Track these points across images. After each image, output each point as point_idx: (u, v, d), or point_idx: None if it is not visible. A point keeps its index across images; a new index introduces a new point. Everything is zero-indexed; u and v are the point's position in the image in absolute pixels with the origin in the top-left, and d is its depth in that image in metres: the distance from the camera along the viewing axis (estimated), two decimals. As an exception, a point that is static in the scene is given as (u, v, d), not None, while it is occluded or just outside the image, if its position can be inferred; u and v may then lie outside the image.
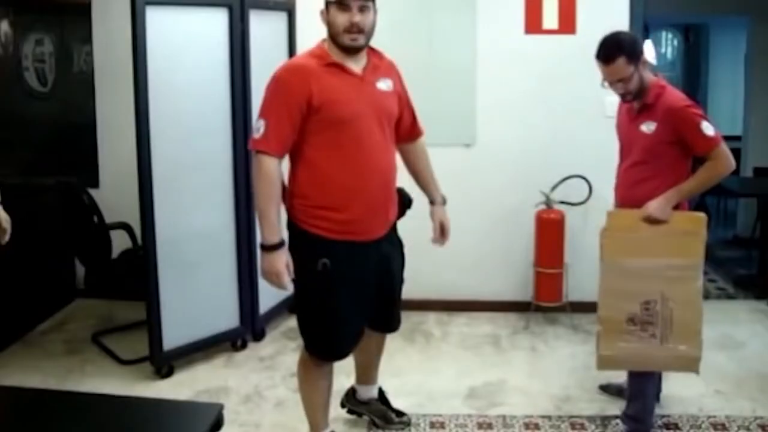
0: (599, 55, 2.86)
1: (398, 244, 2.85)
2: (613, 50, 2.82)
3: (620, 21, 4.23)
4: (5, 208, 2.53)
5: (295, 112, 2.50)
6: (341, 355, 2.79)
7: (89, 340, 4.13)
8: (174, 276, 3.62)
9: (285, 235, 2.62)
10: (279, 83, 2.54)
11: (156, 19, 3.41)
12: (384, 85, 2.67)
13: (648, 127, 2.87)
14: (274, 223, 2.52)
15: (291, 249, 2.62)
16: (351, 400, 3.20)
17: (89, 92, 4.67)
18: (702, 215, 2.87)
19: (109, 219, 3.90)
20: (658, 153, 2.87)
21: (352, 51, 2.56)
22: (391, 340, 3.99)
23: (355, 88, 2.57)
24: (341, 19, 2.49)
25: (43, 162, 4.69)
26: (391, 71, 2.75)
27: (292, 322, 4.41)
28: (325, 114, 2.51)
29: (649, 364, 2.95)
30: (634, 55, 2.82)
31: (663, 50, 9.74)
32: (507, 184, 4.47)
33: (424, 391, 3.50)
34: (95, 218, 3.84)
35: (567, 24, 4.32)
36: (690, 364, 2.92)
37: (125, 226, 3.93)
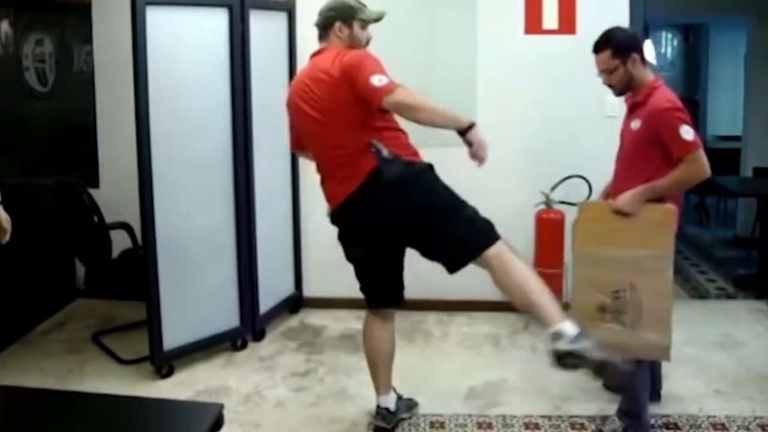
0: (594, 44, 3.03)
1: None
2: (602, 42, 2.98)
3: (620, 21, 4.22)
4: (5, 208, 2.52)
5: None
6: None
7: (89, 340, 4.13)
8: (174, 276, 3.62)
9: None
10: (370, 56, 2.79)
11: (156, 19, 3.41)
12: None
13: (635, 125, 2.95)
14: (455, 111, 2.80)
15: (419, 184, 2.79)
16: (388, 418, 3.13)
17: (89, 92, 4.67)
18: (672, 207, 2.87)
19: (109, 219, 3.90)
20: (641, 150, 2.93)
21: None
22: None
23: None
24: (364, 35, 2.92)
25: (43, 162, 4.70)
26: None
27: (292, 322, 4.42)
28: None
29: (622, 352, 2.97)
30: (622, 50, 2.93)
31: (663, 50, 9.74)
32: (507, 184, 4.46)
33: (424, 391, 3.50)
34: (95, 218, 3.84)
35: (567, 24, 4.32)
36: (660, 353, 2.94)
37: (125, 226, 3.93)
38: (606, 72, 2.97)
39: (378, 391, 3.15)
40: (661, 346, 2.88)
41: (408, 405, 3.28)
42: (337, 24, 2.88)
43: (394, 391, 3.20)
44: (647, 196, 2.87)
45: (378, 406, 3.14)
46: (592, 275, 2.94)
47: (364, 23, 2.91)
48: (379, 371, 3.12)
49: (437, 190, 2.83)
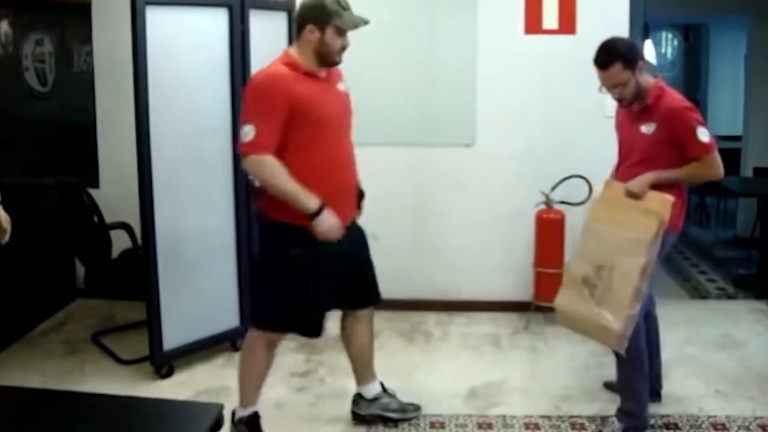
0: (596, 60, 2.94)
1: (358, 227, 3.02)
2: (610, 56, 2.90)
3: (620, 21, 4.23)
4: (5, 208, 2.52)
5: (280, 114, 2.65)
6: (319, 332, 2.97)
7: (89, 340, 4.13)
8: (174, 276, 3.61)
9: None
10: (261, 90, 2.69)
11: (156, 19, 3.41)
12: (342, 86, 2.90)
13: (648, 128, 2.93)
14: (305, 192, 2.67)
15: (263, 239, 2.86)
16: (361, 404, 3.20)
17: (89, 92, 4.66)
18: (669, 198, 2.86)
19: (109, 219, 3.90)
20: (657, 152, 2.93)
21: (334, 65, 2.82)
22: (391, 340, 4.02)
23: (325, 91, 2.80)
24: (338, 42, 2.74)
25: (43, 162, 4.69)
26: (341, 74, 2.94)
27: (292, 322, 4.41)
28: (306, 115, 2.69)
29: (585, 327, 3.04)
30: (631, 61, 2.89)
31: (663, 50, 9.75)
32: (507, 184, 4.47)
33: (424, 391, 3.49)
34: (95, 218, 3.84)
35: (567, 24, 4.32)
36: (611, 339, 2.89)
37: (125, 226, 3.93)
38: (619, 85, 2.90)
39: (356, 382, 3.23)
40: (613, 331, 2.84)
41: (402, 407, 3.23)
42: (309, 25, 2.72)
43: (382, 385, 3.22)
44: (653, 181, 2.90)
45: (354, 395, 3.23)
46: (589, 247, 3.03)
47: (340, 30, 2.72)
48: (355, 364, 3.20)
49: (269, 245, 2.86)
